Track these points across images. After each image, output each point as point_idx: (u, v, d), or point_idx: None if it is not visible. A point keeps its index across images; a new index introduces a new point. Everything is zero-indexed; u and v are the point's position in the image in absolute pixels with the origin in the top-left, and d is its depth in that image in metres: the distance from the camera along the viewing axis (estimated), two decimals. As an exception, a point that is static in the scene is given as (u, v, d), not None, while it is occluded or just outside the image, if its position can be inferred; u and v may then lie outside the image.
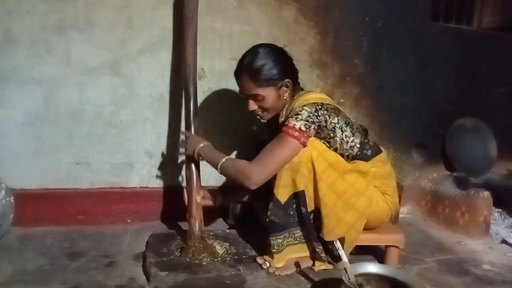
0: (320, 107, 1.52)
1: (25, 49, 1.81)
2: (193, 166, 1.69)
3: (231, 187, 1.86)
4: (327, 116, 1.53)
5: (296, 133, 1.46)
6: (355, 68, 2.27)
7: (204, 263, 1.58)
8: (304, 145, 1.48)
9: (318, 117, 1.50)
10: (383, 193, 1.64)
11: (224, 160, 1.53)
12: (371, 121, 2.32)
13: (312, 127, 1.49)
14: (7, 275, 1.47)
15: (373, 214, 1.59)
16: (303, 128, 1.46)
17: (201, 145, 1.61)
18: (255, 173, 1.46)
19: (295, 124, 1.47)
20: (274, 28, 2.09)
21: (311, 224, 1.55)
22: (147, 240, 1.78)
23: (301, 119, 1.47)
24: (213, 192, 1.80)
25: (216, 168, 1.54)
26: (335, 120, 1.55)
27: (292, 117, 1.49)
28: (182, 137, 1.73)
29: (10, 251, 1.66)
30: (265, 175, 1.48)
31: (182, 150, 1.71)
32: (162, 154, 2.04)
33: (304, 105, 1.50)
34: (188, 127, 1.74)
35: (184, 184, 2.05)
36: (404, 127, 2.41)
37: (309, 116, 1.48)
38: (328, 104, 1.56)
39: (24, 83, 1.83)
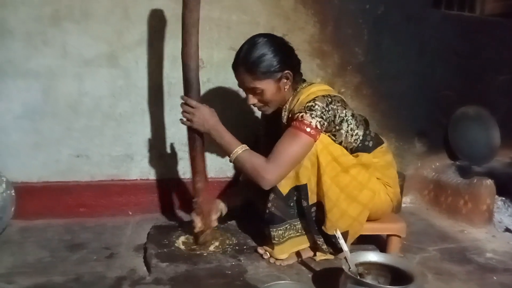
0: (330, 100, 1.48)
1: (21, 41, 1.79)
2: (198, 153, 1.53)
3: (232, 192, 1.86)
4: (336, 110, 1.50)
5: (313, 131, 1.42)
6: (355, 56, 2.24)
7: (205, 254, 1.58)
8: (316, 141, 1.45)
9: (329, 112, 1.47)
10: (385, 184, 1.62)
11: (241, 151, 1.46)
12: (372, 110, 2.30)
13: (325, 124, 1.46)
14: (8, 267, 1.47)
15: (375, 206, 1.58)
16: (318, 126, 1.43)
17: (214, 122, 1.48)
18: (271, 173, 1.42)
19: (311, 122, 1.42)
20: (273, 17, 2.06)
21: (311, 217, 1.54)
22: (148, 231, 1.78)
23: (316, 116, 1.43)
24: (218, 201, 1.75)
25: (228, 155, 1.48)
26: (343, 114, 1.53)
27: (306, 112, 1.43)
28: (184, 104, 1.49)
29: (11, 244, 1.66)
30: (281, 176, 1.46)
31: (188, 123, 1.49)
32: (162, 146, 2.03)
33: (315, 98, 1.46)
34: (188, 92, 1.49)
35: (181, 176, 2.06)
36: (406, 116, 2.39)
37: (322, 113, 1.44)
38: (335, 96, 1.53)
39: (21, 76, 1.82)
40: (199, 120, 1.47)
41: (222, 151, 1.52)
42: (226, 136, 1.49)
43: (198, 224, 1.59)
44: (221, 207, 1.74)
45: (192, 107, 1.47)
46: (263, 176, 1.43)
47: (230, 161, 1.50)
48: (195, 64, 1.47)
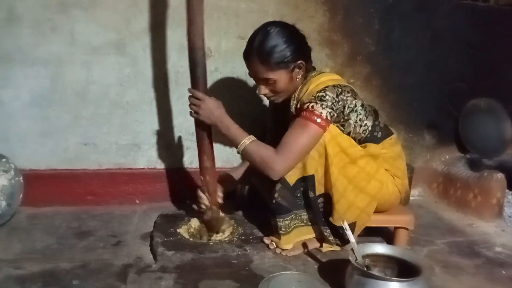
0: (340, 91, 1.46)
1: (30, 28, 1.79)
2: (205, 135, 1.51)
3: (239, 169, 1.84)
4: (346, 101, 1.48)
5: (323, 122, 1.40)
6: (365, 46, 2.21)
7: (211, 243, 1.59)
8: (325, 132, 1.43)
9: (339, 103, 1.45)
10: (393, 176, 1.60)
11: (248, 142, 1.44)
12: (381, 101, 2.27)
13: (335, 115, 1.44)
14: (16, 253, 1.49)
15: (383, 197, 1.56)
16: (328, 117, 1.41)
17: (220, 114, 1.45)
18: (280, 164, 1.41)
19: (321, 112, 1.40)
20: (282, 6, 2.04)
21: (318, 208, 1.53)
22: (154, 220, 1.78)
23: (327, 106, 1.41)
24: (223, 178, 1.72)
25: (236, 146, 1.47)
26: (353, 104, 1.50)
27: (316, 102, 1.41)
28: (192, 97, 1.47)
29: (19, 230, 1.68)
30: (290, 166, 1.44)
31: (195, 115, 1.47)
32: (169, 135, 2.03)
33: (326, 88, 1.44)
34: (195, 85, 1.47)
35: (188, 165, 2.06)
36: (416, 107, 2.35)
37: (333, 103, 1.42)
38: (345, 86, 1.51)
39: (29, 63, 1.82)
40: (205, 112, 1.44)
41: (230, 142, 1.51)
42: (232, 128, 1.47)
43: (205, 201, 1.58)
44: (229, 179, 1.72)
45: (198, 99, 1.45)
46: (272, 168, 1.42)
47: (238, 153, 1.49)
48: (201, 43, 1.42)
